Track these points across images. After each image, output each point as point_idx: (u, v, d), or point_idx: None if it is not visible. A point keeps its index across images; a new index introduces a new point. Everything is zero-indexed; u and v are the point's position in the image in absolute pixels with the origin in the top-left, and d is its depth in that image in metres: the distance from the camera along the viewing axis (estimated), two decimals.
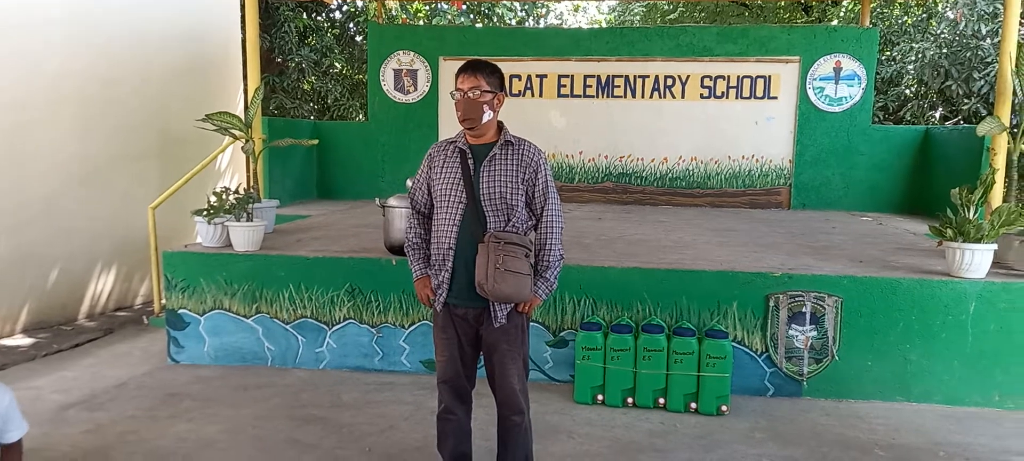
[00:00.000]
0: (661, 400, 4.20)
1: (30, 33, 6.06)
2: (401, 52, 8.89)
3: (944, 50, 10.84)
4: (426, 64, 8.86)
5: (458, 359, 2.97)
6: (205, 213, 4.99)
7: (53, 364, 5.14)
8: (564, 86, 8.75)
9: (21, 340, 5.77)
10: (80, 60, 6.55)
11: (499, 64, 2.99)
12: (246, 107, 6.39)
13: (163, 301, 5.08)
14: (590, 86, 8.71)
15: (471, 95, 2.81)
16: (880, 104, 11.75)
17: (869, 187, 8.40)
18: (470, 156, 2.88)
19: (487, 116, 2.85)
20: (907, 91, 11.89)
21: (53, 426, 3.89)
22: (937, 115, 11.57)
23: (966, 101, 10.49)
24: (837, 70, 8.30)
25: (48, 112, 6.23)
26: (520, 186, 2.86)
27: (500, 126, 2.95)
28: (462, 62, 2.92)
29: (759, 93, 8.47)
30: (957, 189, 4.51)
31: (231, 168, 9.01)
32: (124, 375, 4.80)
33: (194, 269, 4.90)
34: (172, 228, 7.07)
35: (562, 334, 4.60)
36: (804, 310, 4.37)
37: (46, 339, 5.79)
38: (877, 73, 10.27)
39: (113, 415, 4.05)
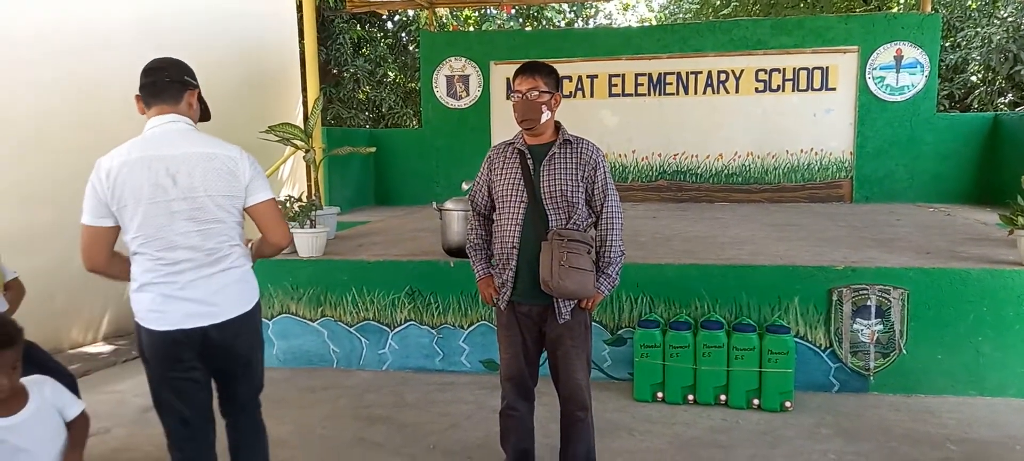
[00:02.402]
0: (722, 397, 4.17)
1: (95, 57, 6.36)
2: (453, 58, 9.03)
3: (1011, 34, 10.42)
4: (477, 69, 8.97)
5: (521, 356, 3.03)
6: None
7: (133, 369, 5.39)
8: (615, 85, 8.75)
9: (102, 347, 6.08)
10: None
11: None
12: (305, 118, 6.59)
13: None
14: (642, 84, 8.68)
15: (529, 96, 2.86)
16: (946, 92, 11.38)
17: (935, 177, 8.14)
18: (529, 156, 2.94)
19: (545, 116, 2.90)
20: (973, 78, 11.47)
21: (137, 427, 4.10)
22: (1006, 101, 11.13)
23: None
24: (898, 58, 8.08)
25: (117, 132, 6.47)
26: (580, 184, 2.90)
27: (557, 126, 2.99)
28: (516, 65, 2.98)
29: (817, 85, 8.30)
30: None
31: (292, 177, 9.28)
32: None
33: (262, 275, 5.02)
34: None
35: (620, 332, 4.61)
36: (869, 303, 4.28)
37: (125, 346, 6.07)
38: (941, 60, 9.95)
39: None
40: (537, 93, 2.86)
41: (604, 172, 2.95)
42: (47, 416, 2.36)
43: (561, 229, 2.86)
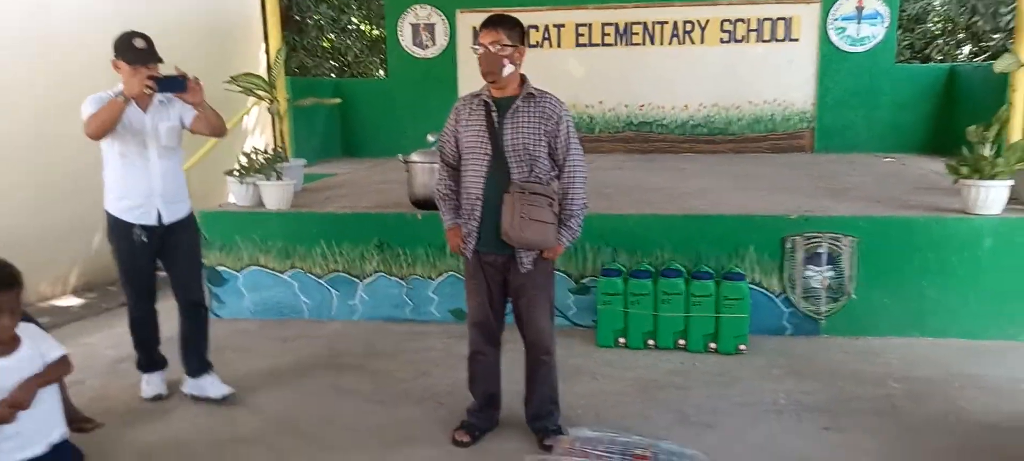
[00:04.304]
0: (681, 341, 4.35)
1: (52, 11, 6.20)
2: (418, 6, 8.91)
3: None
4: (443, 18, 8.89)
5: (487, 303, 3.14)
6: (236, 173, 5.17)
7: (103, 322, 5.41)
8: (582, 35, 8.74)
9: (71, 300, 6.07)
10: (102, 35, 6.67)
11: (516, 15, 3.07)
12: (268, 67, 6.51)
13: (202, 259, 5.28)
14: (608, 34, 8.69)
15: (492, 49, 2.92)
16: (906, 42, 11.55)
17: (893, 127, 8.35)
18: (494, 109, 3.00)
19: (507, 70, 2.95)
20: (933, 28, 11.67)
21: (109, 378, 4.16)
22: (965, 52, 11.37)
23: (993, 37, 10.30)
24: (859, 9, 8.19)
25: (78, 86, 6.39)
26: (542, 137, 2.98)
27: (523, 79, 3.06)
28: (482, 14, 3.01)
29: (780, 36, 8.40)
30: (973, 127, 4.54)
31: (258, 128, 9.18)
32: (170, 330, 4.96)
33: (229, 228, 5.10)
34: (207, 185, 7.24)
35: (584, 281, 4.75)
36: (820, 251, 4.46)
37: (94, 299, 6.07)
38: (903, 10, 10.09)
39: None
40: (499, 47, 2.92)
41: (567, 126, 3.02)
42: (35, 360, 2.41)
43: (522, 181, 2.95)
